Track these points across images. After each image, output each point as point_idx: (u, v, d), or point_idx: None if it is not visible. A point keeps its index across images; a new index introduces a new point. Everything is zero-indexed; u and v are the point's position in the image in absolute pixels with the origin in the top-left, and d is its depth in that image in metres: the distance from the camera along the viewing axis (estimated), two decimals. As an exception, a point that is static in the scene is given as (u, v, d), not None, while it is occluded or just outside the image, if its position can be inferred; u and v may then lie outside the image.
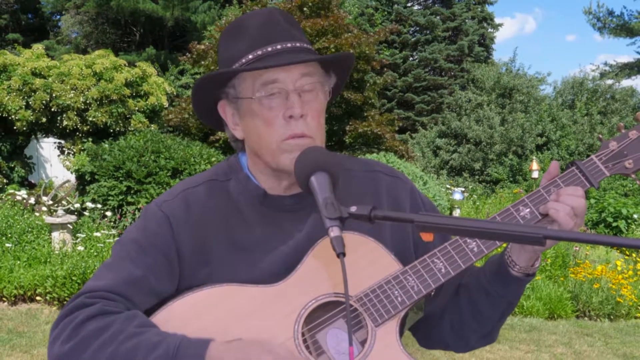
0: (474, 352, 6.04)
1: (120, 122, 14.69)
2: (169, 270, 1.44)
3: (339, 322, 1.44)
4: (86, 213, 9.81)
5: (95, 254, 7.86)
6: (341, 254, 1.17)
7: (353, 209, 1.22)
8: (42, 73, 14.49)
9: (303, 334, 1.41)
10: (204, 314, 1.39)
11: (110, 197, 9.82)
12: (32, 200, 10.86)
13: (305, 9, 15.05)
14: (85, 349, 1.31)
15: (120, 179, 9.89)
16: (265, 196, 1.50)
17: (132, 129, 14.55)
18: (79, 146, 14.67)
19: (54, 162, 20.17)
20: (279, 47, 1.42)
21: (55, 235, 8.44)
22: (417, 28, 32.83)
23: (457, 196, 13.77)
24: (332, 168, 1.31)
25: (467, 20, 32.33)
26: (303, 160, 1.33)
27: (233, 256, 1.45)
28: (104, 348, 1.31)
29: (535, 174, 14.64)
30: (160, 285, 1.43)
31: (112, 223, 9.36)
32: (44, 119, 14.41)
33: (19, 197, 11.04)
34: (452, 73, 31.79)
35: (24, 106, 14.16)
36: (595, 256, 10.89)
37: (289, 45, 1.43)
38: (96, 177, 10.10)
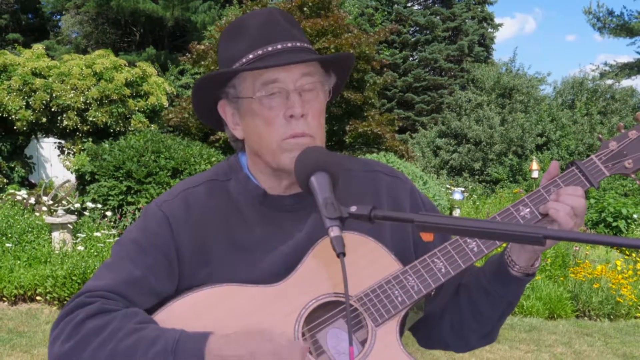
0: (474, 352, 6.04)
1: (120, 122, 14.70)
2: (169, 270, 1.44)
3: (339, 322, 1.45)
4: (86, 213, 9.81)
5: (95, 253, 7.86)
6: (341, 254, 1.17)
7: (353, 209, 1.22)
8: (42, 73, 14.49)
9: (303, 334, 1.41)
10: (204, 314, 1.39)
11: (111, 197, 9.82)
12: (32, 200, 10.86)
13: (305, 9, 15.05)
14: (85, 348, 1.32)
15: (121, 178, 9.89)
16: (265, 196, 1.50)
17: (132, 129, 14.56)
18: (79, 146, 14.68)
19: (54, 162, 20.18)
20: (279, 46, 1.42)
21: (56, 235, 8.44)
22: (417, 28, 32.83)
23: (457, 196, 13.77)
24: (332, 168, 1.32)
25: (467, 20, 32.33)
26: (303, 160, 1.33)
27: (233, 256, 1.45)
28: (104, 346, 1.31)
29: (535, 174, 14.64)
30: (160, 285, 1.43)
31: (112, 223, 9.36)
32: (44, 119, 14.42)
33: (19, 197, 11.05)
34: (452, 73, 31.79)
35: (24, 106, 14.16)
36: (595, 256, 10.89)
37: (289, 45, 1.43)
38: (96, 177, 10.10)
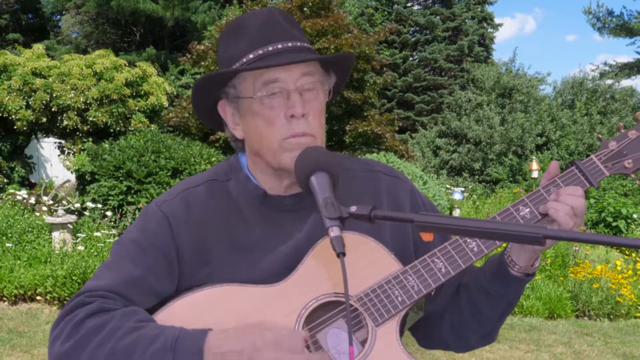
0: (474, 352, 6.04)
1: (120, 122, 14.71)
2: (169, 270, 1.44)
3: (339, 322, 1.44)
4: (86, 213, 9.81)
5: (95, 253, 7.87)
6: (341, 254, 1.17)
7: (353, 208, 1.22)
8: (43, 73, 14.50)
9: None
10: (204, 314, 1.39)
11: (111, 197, 9.82)
12: (32, 200, 10.87)
13: (305, 9, 15.05)
14: (85, 347, 1.32)
15: (121, 178, 9.89)
16: (265, 196, 1.50)
17: (132, 128, 14.57)
18: (79, 146, 14.68)
19: (54, 162, 20.19)
20: (279, 46, 1.42)
21: (56, 235, 8.45)
22: (417, 28, 32.84)
23: (457, 196, 13.77)
24: (332, 168, 1.32)
25: (467, 20, 32.33)
26: (303, 160, 1.33)
27: (233, 256, 1.45)
28: (103, 345, 1.31)
29: (535, 174, 14.64)
30: (160, 285, 1.43)
31: (112, 223, 9.37)
32: (44, 119, 14.42)
33: (19, 197, 11.05)
34: (452, 73, 31.80)
35: (24, 106, 14.17)
36: (595, 256, 10.89)
37: (289, 44, 1.43)
38: (96, 177, 10.10)
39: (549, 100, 26.52)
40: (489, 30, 33.76)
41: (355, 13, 28.41)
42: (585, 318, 8.01)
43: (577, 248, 9.46)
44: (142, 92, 15.35)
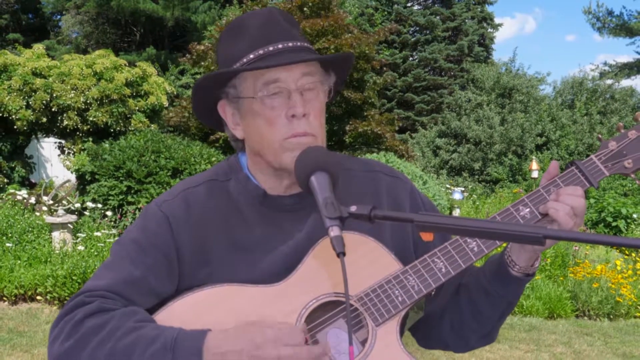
0: (474, 352, 6.04)
1: (120, 121, 14.71)
2: (169, 270, 1.44)
3: (340, 322, 1.45)
4: (86, 213, 9.82)
5: (95, 253, 7.87)
6: (341, 254, 1.17)
7: (353, 208, 1.22)
8: (43, 73, 14.50)
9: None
10: (204, 314, 1.39)
11: (111, 197, 9.82)
12: (32, 200, 10.87)
13: (305, 9, 15.05)
14: (84, 347, 1.32)
15: (121, 178, 9.89)
16: (265, 196, 1.50)
17: (133, 128, 14.57)
18: (80, 146, 14.69)
19: (54, 161, 20.18)
20: (280, 46, 1.42)
21: (56, 234, 8.45)
22: (417, 28, 32.85)
23: (457, 196, 13.77)
24: (332, 168, 1.32)
25: (467, 20, 32.34)
26: (303, 159, 1.33)
27: (233, 256, 1.45)
28: (103, 345, 1.31)
29: (534, 174, 14.64)
30: (160, 285, 1.43)
31: (112, 223, 9.37)
32: (45, 119, 14.43)
33: (19, 197, 11.06)
34: (452, 73, 31.80)
35: (24, 106, 14.17)
36: (594, 256, 10.89)
37: (290, 44, 1.43)
38: (96, 176, 10.11)
39: (548, 100, 26.52)
40: (489, 30, 33.77)
41: (355, 13, 28.40)
42: (585, 318, 8.01)
43: (577, 248, 9.46)
44: (142, 92, 15.35)
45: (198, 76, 23.68)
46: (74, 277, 7.18)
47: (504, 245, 1.54)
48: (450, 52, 31.40)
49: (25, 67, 14.33)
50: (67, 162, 14.85)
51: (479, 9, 33.04)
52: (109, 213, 9.38)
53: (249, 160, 1.54)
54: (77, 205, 9.99)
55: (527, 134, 23.28)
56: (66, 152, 15.49)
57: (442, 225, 1.17)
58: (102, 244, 8.14)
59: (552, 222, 1.43)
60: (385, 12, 32.50)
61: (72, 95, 14.25)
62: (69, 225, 8.62)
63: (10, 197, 11.23)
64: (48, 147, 20.62)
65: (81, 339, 1.32)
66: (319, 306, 1.43)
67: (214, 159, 10.73)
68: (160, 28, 30.53)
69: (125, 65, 15.36)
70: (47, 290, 7.27)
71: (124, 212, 9.75)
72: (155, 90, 15.47)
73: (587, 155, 1.56)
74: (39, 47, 15.80)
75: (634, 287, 8.34)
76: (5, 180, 15.35)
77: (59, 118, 14.63)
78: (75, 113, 14.42)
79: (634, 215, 13.75)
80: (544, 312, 7.84)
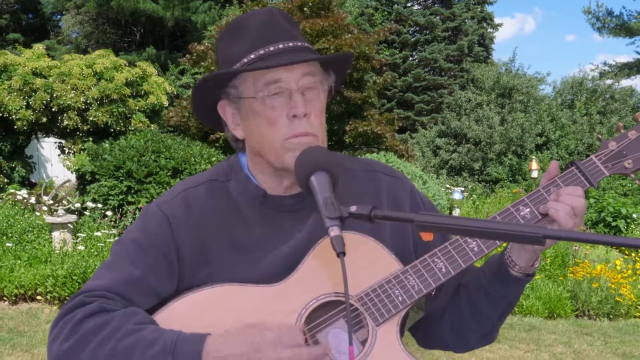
0: (474, 352, 6.04)
1: (120, 121, 14.71)
2: (169, 270, 1.44)
3: (340, 322, 1.45)
4: (87, 213, 9.82)
5: (95, 253, 7.87)
6: (341, 254, 1.17)
7: (353, 208, 1.22)
8: (43, 73, 14.50)
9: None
10: (204, 313, 1.39)
11: (111, 197, 9.83)
12: (32, 200, 10.87)
13: (305, 9, 15.05)
14: (84, 347, 1.31)
15: (121, 178, 9.90)
16: (265, 196, 1.50)
17: (133, 128, 14.57)
18: (80, 146, 14.69)
19: (54, 161, 20.18)
20: (280, 46, 1.42)
21: (56, 234, 8.45)
22: (417, 28, 32.85)
23: (457, 196, 13.77)
24: (332, 168, 1.32)
25: (466, 20, 32.34)
26: (303, 159, 1.33)
27: (233, 256, 1.45)
28: (103, 345, 1.31)
29: (534, 174, 14.63)
30: (160, 285, 1.43)
31: (112, 223, 9.37)
32: (45, 119, 14.43)
33: (19, 197, 11.06)
34: (452, 73, 31.80)
35: (24, 106, 14.17)
36: (594, 255, 10.89)
37: (290, 44, 1.43)
38: (97, 176, 10.11)
39: (548, 100, 26.52)
40: (489, 30, 33.77)
41: (355, 13, 28.41)
42: (585, 318, 8.01)
43: (576, 248, 9.46)
44: (142, 92, 15.35)
45: (198, 76, 23.71)
46: (74, 277, 7.18)
47: (504, 245, 1.54)
48: (450, 52, 31.40)
49: (26, 67, 14.33)
50: (67, 162, 14.85)
51: (479, 9, 33.04)
52: (109, 213, 9.38)
53: (249, 161, 1.54)
54: (77, 205, 9.99)
55: (527, 133, 23.28)
56: (66, 152, 15.49)
57: (442, 225, 1.17)
58: (102, 244, 8.14)
59: (552, 222, 1.43)
60: (385, 12, 32.50)
61: (72, 95, 14.26)
62: (69, 225, 8.62)
63: (10, 197, 11.23)
64: (48, 147, 20.62)
65: (81, 340, 1.32)
66: (319, 306, 1.43)
67: (214, 159, 10.73)
68: (161, 28, 30.53)
69: (125, 65, 15.37)
70: (47, 290, 7.27)
71: (124, 212, 9.75)
72: (155, 90, 15.48)
73: (587, 155, 1.56)
74: (39, 47, 15.80)
75: (633, 287, 8.34)
76: (6, 180, 15.36)
77: (59, 118, 14.63)
78: (76, 113, 14.42)
79: (634, 215, 13.75)
80: (543, 312, 7.84)
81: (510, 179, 22.97)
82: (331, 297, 1.44)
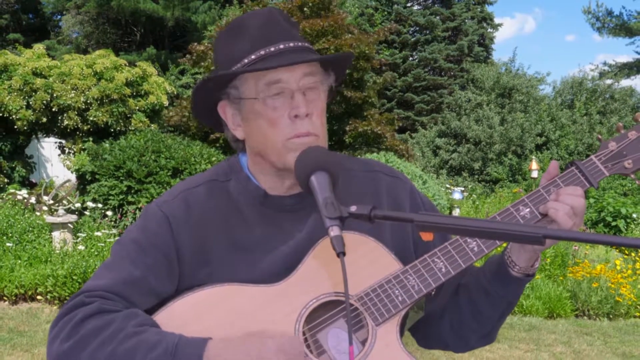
0: (474, 352, 6.04)
1: (120, 121, 14.70)
2: (169, 270, 1.44)
3: (340, 322, 1.45)
4: (87, 212, 9.82)
5: (96, 253, 7.88)
6: (341, 254, 1.18)
7: (353, 208, 1.22)
8: (43, 73, 14.50)
9: (304, 333, 1.41)
10: (204, 313, 1.39)
11: (111, 197, 9.83)
12: (32, 200, 10.87)
13: (305, 9, 15.05)
14: (84, 348, 1.31)
15: (121, 178, 9.90)
16: (265, 196, 1.50)
17: (133, 128, 14.57)
18: (80, 146, 14.69)
19: (54, 161, 20.18)
20: (281, 46, 1.42)
21: (56, 234, 8.45)
22: (417, 28, 32.84)
23: (457, 196, 13.76)
24: (332, 168, 1.32)
25: (466, 20, 32.34)
26: (303, 159, 1.34)
27: (233, 256, 1.45)
28: (103, 347, 1.31)
29: (534, 174, 14.63)
30: (159, 285, 1.43)
31: (112, 222, 9.37)
32: (45, 119, 14.42)
33: (19, 197, 11.06)
34: (452, 73, 31.80)
35: (24, 106, 14.17)
36: (594, 255, 10.89)
37: (291, 44, 1.43)
38: (97, 176, 10.11)
39: (548, 100, 26.52)
40: (489, 30, 33.77)
41: (355, 13, 28.40)
42: (585, 317, 8.02)
43: (576, 247, 9.46)
44: (143, 92, 15.35)
45: (198, 76, 23.71)
46: (74, 277, 7.18)
47: (504, 245, 1.54)
48: (450, 52, 31.40)
49: (26, 67, 14.32)
50: (68, 162, 14.85)
51: (479, 9, 33.03)
52: (109, 213, 9.39)
53: (249, 161, 1.54)
54: (78, 205, 9.99)
55: (526, 133, 23.28)
56: (66, 152, 15.49)
57: (442, 225, 1.17)
58: (103, 244, 8.14)
59: (551, 222, 1.43)
60: (385, 12, 32.50)
61: (73, 95, 14.25)
62: (69, 225, 8.62)
63: (10, 197, 11.23)
64: (48, 147, 20.62)
65: (81, 340, 1.32)
66: (319, 306, 1.44)
67: (214, 158, 10.73)
68: (161, 28, 30.52)
69: (125, 65, 15.36)
70: (48, 290, 7.27)
71: (124, 211, 9.76)
72: (155, 90, 15.48)
73: (587, 155, 1.57)
74: (39, 47, 15.79)
75: (633, 286, 8.35)
76: (6, 180, 15.35)
77: (59, 118, 14.63)
78: (76, 113, 14.41)
79: (634, 215, 13.75)
80: (543, 311, 7.84)
81: (510, 179, 22.97)
82: (331, 297, 1.44)
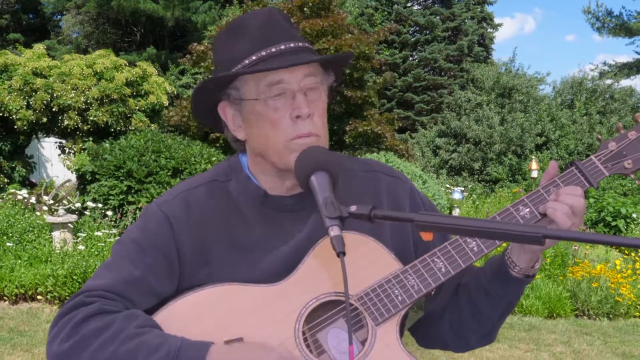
0: (474, 352, 6.04)
1: (120, 121, 14.71)
2: (169, 270, 1.44)
3: (340, 322, 1.45)
4: (87, 212, 9.82)
5: (96, 253, 7.88)
6: (341, 253, 1.18)
7: (353, 208, 1.22)
8: (43, 73, 14.50)
9: (304, 333, 1.42)
10: (205, 313, 1.40)
11: (111, 197, 9.83)
12: (33, 200, 10.87)
13: (305, 9, 15.05)
14: (85, 348, 1.31)
15: (121, 178, 9.90)
16: (265, 196, 1.50)
17: (133, 128, 14.57)
18: (80, 145, 14.69)
19: (54, 161, 20.18)
20: (282, 47, 1.42)
21: (56, 234, 8.45)
22: (417, 28, 32.84)
23: (457, 195, 13.76)
24: (332, 168, 1.32)
25: (466, 20, 32.33)
26: (303, 159, 1.34)
27: (233, 256, 1.45)
28: (105, 347, 1.31)
29: (534, 174, 14.63)
30: (160, 285, 1.43)
31: (112, 222, 9.37)
32: (45, 119, 14.43)
33: (20, 197, 11.06)
34: (452, 73, 31.79)
35: (24, 106, 14.17)
36: (594, 255, 10.89)
37: (291, 45, 1.43)
38: (97, 176, 10.11)
39: (548, 100, 26.52)
40: (489, 30, 33.76)
41: (355, 13, 28.40)
42: (585, 317, 8.02)
43: (576, 247, 9.46)
44: (143, 92, 15.35)
45: (198, 76, 23.70)
46: (74, 277, 7.18)
47: (504, 245, 1.54)
48: (450, 52, 31.40)
49: (26, 67, 14.32)
50: (68, 162, 14.85)
51: (479, 9, 33.03)
52: (109, 213, 9.39)
53: (249, 161, 1.54)
54: (78, 205, 9.99)
55: (526, 133, 23.28)
56: (66, 151, 15.50)
57: (442, 225, 1.17)
58: (103, 244, 8.14)
59: (551, 222, 1.43)
60: (385, 12, 32.49)
61: (73, 95, 14.26)
62: (70, 225, 8.62)
63: (10, 196, 11.23)
64: (48, 147, 20.63)
65: (82, 340, 1.32)
66: (319, 306, 1.44)
67: (214, 158, 10.73)
68: (161, 28, 30.51)
69: (125, 65, 15.36)
70: (48, 289, 7.27)
71: (124, 211, 9.76)
72: (155, 90, 15.48)
73: (587, 155, 1.57)
74: (39, 47, 15.79)
75: (633, 286, 8.35)
76: (6, 180, 15.35)
77: (60, 118, 14.63)
78: (76, 113, 14.42)
79: (634, 215, 13.75)
80: (543, 311, 7.84)
81: (510, 178, 22.98)
82: (331, 297, 1.44)
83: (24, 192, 11.50)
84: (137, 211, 9.65)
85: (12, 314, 6.99)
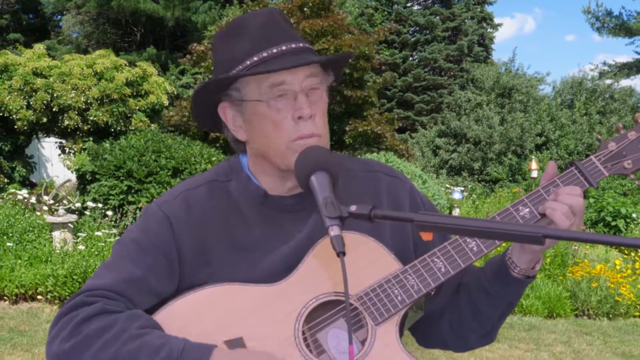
0: (474, 351, 6.04)
1: (121, 121, 14.70)
2: (169, 270, 1.44)
3: (340, 321, 1.45)
4: (87, 212, 9.83)
5: (96, 253, 7.88)
6: (341, 253, 1.18)
7: (353, 208, 1.22)
8: (43, 73, 14.50)
9: (303, 333, 1.42)
10: (205, 313, 1.40)
11: (111, 197, 9.83)
12: (33, 200, 10.87)
13: (305, 9, 15.05)
14: (87, 348, 1.31)
15: (121, 178, 9.90)
16: (265, 197, 1.50)
17: (133, 128, 14.57)
18: (80, 145, 14.69)
19: (55, 161, 20.18)
20: (283, 47, 1.42)
21: (56, 234, 8.45)
22: (417, 28, 32.84)
23: (457, 195, 13.77)
24: (332, 167, 1.32)
25: (466, 20, 32.34)
26: (303, 159, 1.34)
27: (233, 256, 1.45)
28: (107, 348, 1.31)
29: (534, 174, 14.63)
30: (160, 285, 1.43)
31: (113, 222, 9.38)
32: (45, 119, 14.42)
33: (20, 197, 11.06)
34: (452, 73, 31.80)
35: (25, 106, 14.17)
36: (594, 255, 10.89)
37: (292, 45, 1.43)
38: (97, 176, 10.12)
39: (548, 100, 26.52)
40: (489, 30, 33.77)
41: (355, 13, 28.40)
42: (585, 317, 8.02)
43: (576, 247, 9.46)
44: (143, 92, 15.35)
45: (198, 76, 23.70)
46: (74, 277, 7.18)
47: (504, 245, 1.54)
48: (450, 52, 31.40)
49: (26, 67, 14.32)
50: (68, 162, 14.85)
51: (479, 9, 33.03)
52: (109, 213, 9.39)
53: (250, 162, 1.54)
54: (78, 204, 9.99)
55: (526, 133, 23.28)
56: (67, 151, 15.50)
57: (441, 225, 1.17)
58: (103, 244, 8.15)
59: (551, 222, 1.43)
60: (385, 12, 32.49)
61: (73, 95, 14.25)
62: (70, 224, 8.62)
63: (11, 196, 11.23)
64: (49, 147, 20.63)
65: (84, 340, 1.32)
66: (319, 305, 1.44)
67: (214, 158, 10.73)
68: (161, 28, 30.51)
69: (125, 65, 15.36)
70: (48, 289, 7.28)
71: (124, 211, 9.76)
72: (155, 90, 15.48)
73: (587, 155, 1.57)
74: (39, 47, 15.79)
75: (633, 286, 8.35)
76: (6, 180, 15.35)
77: (60, 118, 14.63)
78: (76, 113, 14.42)
79: (633, 215, 13.75)
80: (543, 311, 7.84)
81: (510, 178, 22.98)
82: (331, 297, 1.44)
83: (24, 192, 11.50)
84: (137, 211, 9.65)
85: (12, 313, 7.00)
